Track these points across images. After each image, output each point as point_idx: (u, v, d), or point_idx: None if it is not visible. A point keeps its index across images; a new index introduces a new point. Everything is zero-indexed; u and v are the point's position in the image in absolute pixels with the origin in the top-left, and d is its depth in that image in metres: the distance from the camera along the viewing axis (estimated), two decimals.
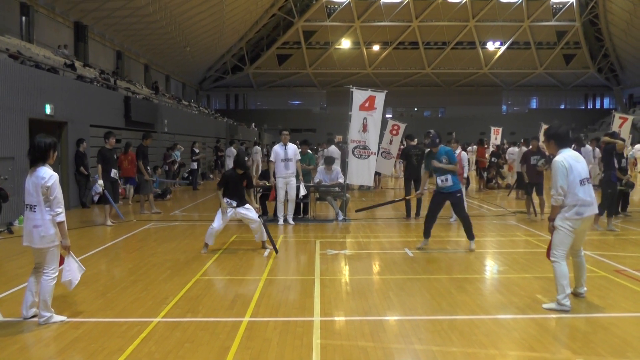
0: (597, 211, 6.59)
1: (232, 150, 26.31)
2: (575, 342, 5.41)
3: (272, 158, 13.28)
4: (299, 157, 13.46)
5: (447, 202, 10.20)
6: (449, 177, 9.86)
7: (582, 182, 6.38)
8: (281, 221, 13.21)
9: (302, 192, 13.41)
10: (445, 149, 10.21)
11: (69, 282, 6.36)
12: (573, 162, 6.40)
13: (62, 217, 6.09)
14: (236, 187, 9.89)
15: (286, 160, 13.06)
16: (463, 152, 14.95)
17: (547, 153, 12.98)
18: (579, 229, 6.44)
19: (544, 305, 6.49)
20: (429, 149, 10.26)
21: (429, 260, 9.17)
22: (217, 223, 9.83)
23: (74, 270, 6.40)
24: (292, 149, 13.25)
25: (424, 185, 11.18)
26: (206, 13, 39.13)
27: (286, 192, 13.13)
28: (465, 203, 12.28)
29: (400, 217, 14.40)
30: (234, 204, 9.83)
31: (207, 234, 9.97)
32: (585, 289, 6.85)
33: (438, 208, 10.18)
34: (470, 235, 10.03)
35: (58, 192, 6.08)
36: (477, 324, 5.93)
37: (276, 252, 9.75)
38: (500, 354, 5.14)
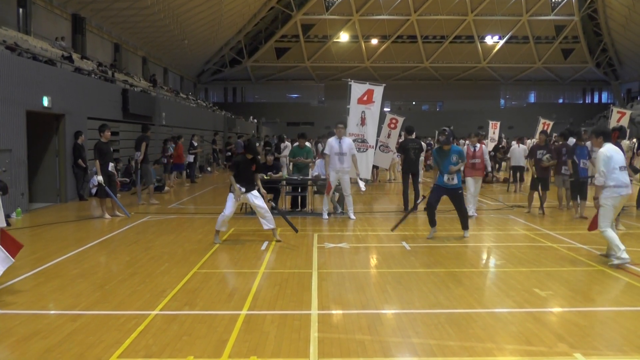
0: (631, 191, 8.39)
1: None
2: (573, 336, 5.42)
3: (326, 151, 12.96)
4: (355, 152, 13.16)
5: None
6: (455, 176, 10.39)
7: (620, 168, 8.22)
8: (325, 215, 13.06)
9: (362, 186, 13.43)
10: (457, 148, 10.60)
11: None
12: (614, 153, 8.27)
13: None
14: (246, 171, 9.99)
15: (341, 154, 12.75)
16: (484, 145, 14.51)
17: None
18: (617, 205, 8.33)
19: (609, 263, 8.21)
20: (439, 146, 10.61)
21: (427, 254, 9.18)
22: (229, 210, 9.93)
23: None
24: (348, 142, 12.92)
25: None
26: (204, 6, 38.99)
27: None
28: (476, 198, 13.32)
29: (398, 210, 14.40)
30: (243, 189, 9.92)
31: (218, 221, 10.03)
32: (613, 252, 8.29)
33: (438, 200, 10.64)
34: (464, 226, 10.69)
35: None
36: (475, 318, 5.94)
37: (296, 231, 10.46)
38: (497, 347, 5.15)
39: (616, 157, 8.25)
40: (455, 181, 10.38)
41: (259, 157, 10.74)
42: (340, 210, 13.75)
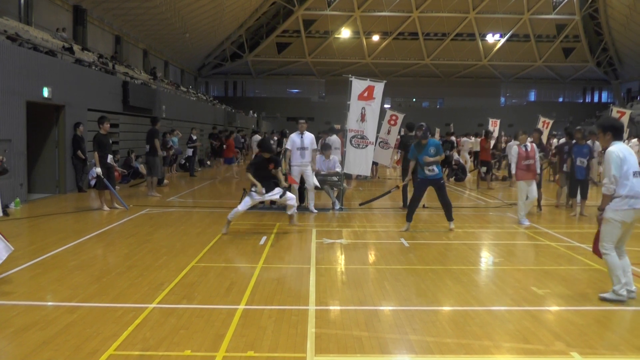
0: None
1: (258, 137, 28.61)
2: (569, 335, 5.43)
3: (288, 146, 13.31)
4: (315, 146, 13.55)
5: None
6: (435, 167, 10.97)
7: (635, 174, 6.38)
8: (313, 209, 13.39)
9: (315, 182, 13.49)
10: (434, 141, 11.19)
11: None
12: (627, 154, 6.45)
13: None
14: (264, 170, 10.34)
15: (302, 148, 13.11)
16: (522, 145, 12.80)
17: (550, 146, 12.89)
18: (628, 221, 6.41)
19: (600, 295, 6.53)
20: (417, 141, 11.17)
21: (425, 251, 9.19)
22: (243, 207, 10.38)
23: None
24: (309, 137, 13.31)
25: (410, 173, 11.96)
26: None
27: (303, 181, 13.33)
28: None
29: (396, 207, 14.41)
30: (263, 191, 10.32)
31: (232, 213, 10.37)
32: (634, 288, 6.57)
33: (423, 194, 11.20)
34: (449, 217, 11.14)
35: None
36: (472, 315, 5.95)
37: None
38: (494, 345, 5.15)
39: (630, 160, 6.45)
40: (436, 171, 10.97)
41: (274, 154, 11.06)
42: (339, 206, 13.75)
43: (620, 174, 6.35)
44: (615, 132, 6.64)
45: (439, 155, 10.97)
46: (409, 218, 11.05)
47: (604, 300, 6.43)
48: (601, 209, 6.54)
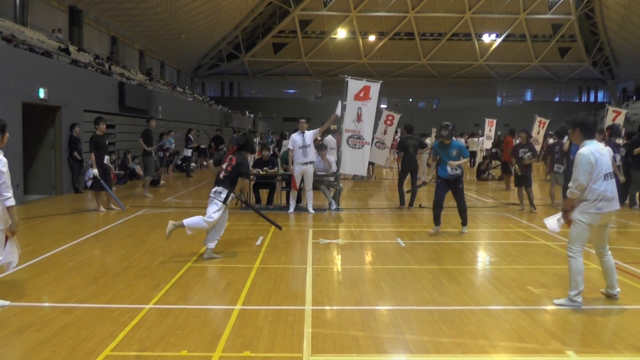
0: (618, 207, 6.30)
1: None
2: (565, 334, 5.45)
3: (290, 146, 13.29)
4: (317, 134, 13.61)
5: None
6: (459, 167, 10.67)
7: (606, 177, 6.14)
8: (291, 209, 13.39)
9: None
10: (458, 143, 10.89)
11: (8, 265, 6.37)
12: (599, 156, 6.15)
13: (11, 202, 6.13)
14: None
15: (304, 147, 13.11)
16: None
17: (535, 146, 12.79)
18: (597, 225, 6.22)
19: (555, 301, 6.37)
20: (441, 140, 10.86)
21: (421, 251, 9.20)
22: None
23: (14, 253, 6.37)
24: (310, 135, 13.33)
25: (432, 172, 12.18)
26: (202, 0, 38.89)
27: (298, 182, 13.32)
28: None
29: (393, 207, 14.42)
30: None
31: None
32: (618, 290, 6.51)
33: (444, 197, 10.83)
34: (464, 221, 10.93)
35: (6, 177, 6.11)
36: (468, 315, 5.96)
37: (279, 228, 9.66)
38: (490, 344, 5.17)
39: (602, 162, 6.14)
40: (459, 171, 10.65)
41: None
42: (335, 206, 13.76)
43: (589, 179, 6.10)
44: (584, 127, 6.32)
45: (464, 157, 10.66)
46: (436, 222, 10.81)
47: (559, 305, 6.25)
48: (564, 210, 6.42)
